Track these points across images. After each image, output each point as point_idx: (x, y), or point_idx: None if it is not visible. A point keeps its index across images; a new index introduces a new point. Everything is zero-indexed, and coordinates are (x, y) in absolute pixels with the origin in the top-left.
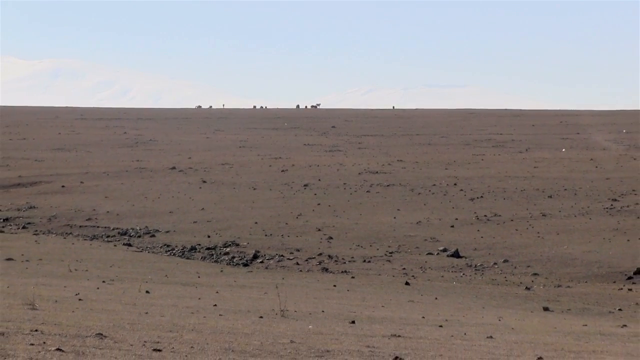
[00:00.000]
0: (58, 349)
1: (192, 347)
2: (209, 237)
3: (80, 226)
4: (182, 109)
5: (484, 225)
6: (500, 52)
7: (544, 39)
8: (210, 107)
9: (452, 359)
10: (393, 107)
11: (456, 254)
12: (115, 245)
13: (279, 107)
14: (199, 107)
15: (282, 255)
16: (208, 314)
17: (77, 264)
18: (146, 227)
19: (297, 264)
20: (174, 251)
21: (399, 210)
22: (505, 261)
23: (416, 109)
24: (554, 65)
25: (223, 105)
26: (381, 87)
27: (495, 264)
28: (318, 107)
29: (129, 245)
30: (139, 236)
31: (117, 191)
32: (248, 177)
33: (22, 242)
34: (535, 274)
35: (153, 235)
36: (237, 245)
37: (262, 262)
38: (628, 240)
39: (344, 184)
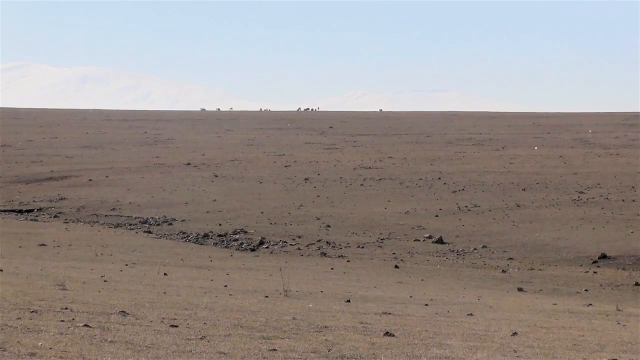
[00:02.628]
0: (85, 325)
1: (205, 323)
2: (220, 225)
3: (105, 215)
4: (196, 111)
5: (465, 215)
6: (479, 61)
7: (518, 49)
8: (218, 109)
9: (437, 334)
10: (380, 109)
11: (440, 241)
12: (136, 233)
13: (282, 110)
14: (203, 109)
15: (285, 242)
16: (219, 294)
17: (102, 249)
18: (164, 216)
19: (299, 249)
20: (189, 238)
21: (389, 201)
22: (484, 247)
23: (404, 111)
24: (527, 72)
25: (231, 108)
26: (373, 91)
27: (475, 249)
28: (316, 110)
29: (149, 232)
30: (158, 224)
31: (139, 184)
32: (255, 172)
33: (54, 230)
34: (510, 259)
35: (170, 224)
36: (245, 232)
37: (267, 247)
38: (593, 229)
39: (341, 178)
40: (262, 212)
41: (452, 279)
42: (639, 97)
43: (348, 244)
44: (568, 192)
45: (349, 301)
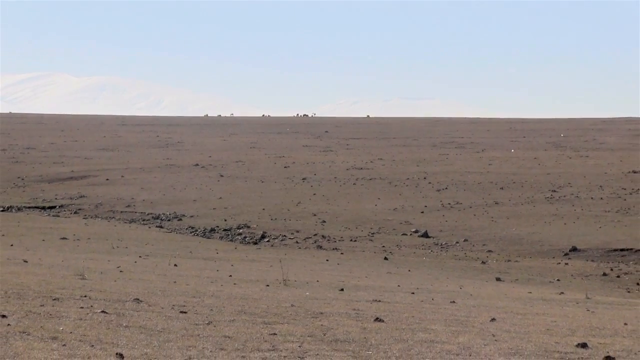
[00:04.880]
0: (103, 311)
1: (211, 309)
2: (225, 220)
3: (121, 211)
4: (204, 116)
5: (448, 211)
6: (461, 71)
7: (497, 60)
8: (219, 115)
9: (423, 320)
10: (368, 115)
11: (425, 235)
12: (149, 227)
13: (282, 115)
14: (206, 115)
15: (284, 236)
16: (225, 283)
17: (118, 242)
18: (174, 212)
19: (297, 242)
20: (197, 232)
21: (379, 199)
22: (465, 240)
23: (393, 117)
24: (505, 82)
25: (232, 114)
26: (365, 99)
27: (457, 242)
28: (313, 115)
29: (161, 227)
30: (169, 220)
31: (151, 183)
32: (257, 172)
33: (74, 225)
34: (489, 251)
35: (180, 219)
36: (248, 227)
37: (268, 241)
38: (565, 224)
39: (335, 177)
40: (263, 209)
41: (436, 270)
42: (606, 104)
43: (342, 237)
44: (542, 190)
45: (342, 290)
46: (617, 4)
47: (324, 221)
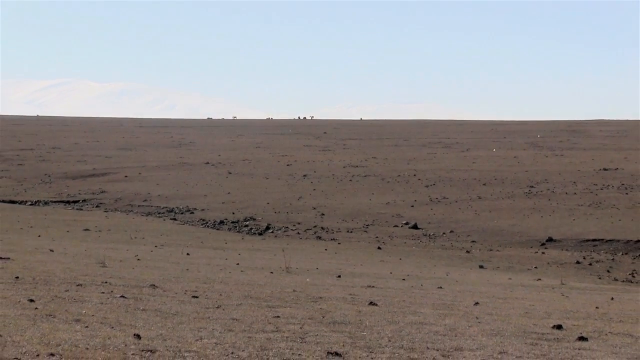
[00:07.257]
0: (122, 296)
1: (221, 294)
2: (233, 213)
3: (138, 205)
4: (214, 119)
5: (436, 205)
6: (449, 77)
7: (481, 68)
8: (222, 118)
9: (412, 304)
10: (361, 118)
11: (415, 226)
12: (164, 220)
13: (284, 118)
14: (210, 118)
15: (287, 227)
16: (232, 270)
17: (136, 233)
18: (187, 206)
19: (298, 233)
20: (207, 224)
21: (373, 194)
22: (451, 232)
23: (386, 119)
24: (489, 87)
25: (234, 116)
26: (360, 103)
27: (444, 233)
28: (312, 118)
29: (175, 219)
30: (182, 213)
31: (166, 180)
32: (262, 169)
33: (96, 217)
34: (473, 241)
35: (192, 212)
36: (254, 219)
37: (272, 232)
38: (541, 217)
39: (333, 174)
40: (268, 203)
41: (425, 258)
42: (579, 108)
43: (339, 229)
44: (521, 186)
45: (339, 276)
46: (588, 16)
47: (323, 214)
